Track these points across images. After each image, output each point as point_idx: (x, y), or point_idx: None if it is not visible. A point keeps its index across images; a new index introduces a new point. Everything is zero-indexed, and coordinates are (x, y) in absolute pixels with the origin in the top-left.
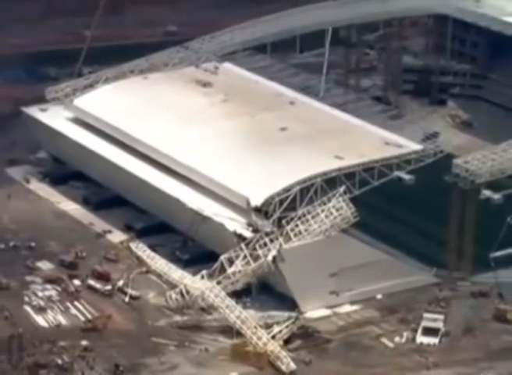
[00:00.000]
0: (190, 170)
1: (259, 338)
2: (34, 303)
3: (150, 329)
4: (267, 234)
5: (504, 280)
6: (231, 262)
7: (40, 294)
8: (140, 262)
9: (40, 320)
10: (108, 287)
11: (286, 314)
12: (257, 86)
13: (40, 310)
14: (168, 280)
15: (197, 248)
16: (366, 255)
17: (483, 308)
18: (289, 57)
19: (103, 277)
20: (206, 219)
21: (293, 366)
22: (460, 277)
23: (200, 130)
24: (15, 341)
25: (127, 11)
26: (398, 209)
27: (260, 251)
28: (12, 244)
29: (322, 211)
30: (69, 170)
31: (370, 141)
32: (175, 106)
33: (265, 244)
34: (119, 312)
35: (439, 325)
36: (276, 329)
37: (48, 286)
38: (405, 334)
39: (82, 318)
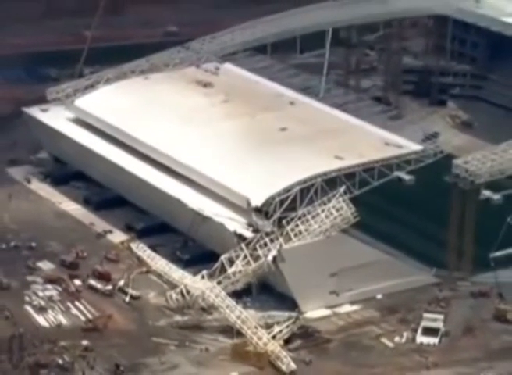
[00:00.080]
0: (191, 170)
1: (259, 338)
2: (35, 303)
3: (150, 329)
4: (267, 234)
5: (504, 280)
6: (231, 262)
7: (40, 294)
8: (141, 262)
9: (41, 320)
10: (109, 287)
11: (287, 314)
12: (257, 86)
13: (41, 310)
14: (169, 280)
15: (198, 248)
16: (366, 255)
17: (483, 308)
18: (289, 57)
19: (104, 277)
20: (206, 219)
21: (293, 365)
22: (460, 277)
23: (200, 131)
24: (16, 340)
25: (128, 11)
26: (398, 209)
27: (260, 252)
28: (13, 244)
29: (322, 211)
30: (69, 170)
31: (370, 141)
32: (175, 106)
33: (266, 244)
34: (119, 312)
35: (439, 325)
36: (276, 329)
37: (49, 286)
38: (405, 334)
39: (82, 318)
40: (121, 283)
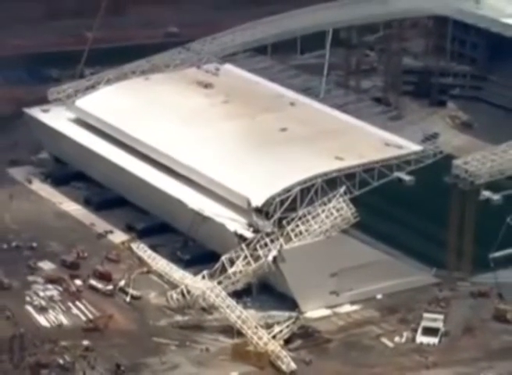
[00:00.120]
0: (191, 171)
1: (260, 338)
2: (36, 303)
3: (151, 329)
4: (267, 235)
5: (504, 280)
6: (232, 262)
7: (41, 294)
8: (142, 262)
9: (42, 320)
10: (110, 287)
11: (287, 314)
12: (257, 87)
13: (42, 310)
14: (170, 280)
15: (198, 249)
16: (366, 256)
17: (483, 309)
18: (289, 58)
19: (104, 277)
20: (207, 219)
21: (293, 365)
22: (460, 277)
23: (201, 131)
24: (16, 340)
25: (128, 12)
26: (398, 210)
27: (260, 252)
28: (14, 244)
29: (323, 211)
30: (70, 171)
31: (370, 141)
32: (176, 107)
33: (266, 245)
34: (120, 312)
35: (439, 325)
36: (277, 329)
37: (50, 286)
38: (405, 334)
39: (83, 318)
40: (122, 283)
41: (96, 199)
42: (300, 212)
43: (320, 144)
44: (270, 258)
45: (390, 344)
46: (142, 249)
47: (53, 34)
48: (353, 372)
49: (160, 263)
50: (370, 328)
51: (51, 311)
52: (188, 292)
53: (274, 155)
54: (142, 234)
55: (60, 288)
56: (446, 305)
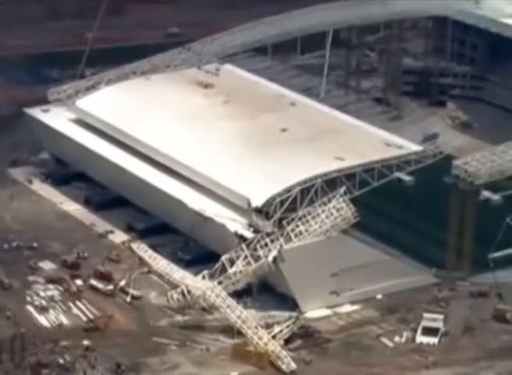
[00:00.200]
0: (192, 171)
1: (260, 338)
2: (36, 303)
3: (151, 329)
4: (268, 235)
5: (503, 280)
6: (232, 262)
7: (42, 294)
8: (142, 262)
9: (43, 320)
10: (110, 287)
11: (287, 314)
12: (258, 87)
13: (43, 310)
14: (170, 280)
15: (199, 249)
16: (366, 256)
17: (482, 308)
18: (290, 58)
19: (105, 277)
20: (207, 219)
21: (293, 365)
22: (460, 277)
23: (201, 131)
24: (17, 340)
25: (129, 13)
26: (398, 210)
27: (261, 252)
28: (14, 244)
29: (323, 211)
30: (71, 171)
31: (370, 142)
32: (176, 107)
33: (266, 245)
34: (120, 311)
35: (439, 325)
36: (277, 329)
37: (50, 286)
38: (405, 334)
39: (84, 318)
40: (122, 283)
41: (96, 199)
42: (300, 213)
43: (320, 144)
44: (270, 258)
45: (390, 344)
46: (142, 249)
47: (53, 35)
48: (353, 372)
49: (160, 263)
50: (370, 328)
51: (51, 311)
52: (188, 292)
53: (274, 155)
54: (142, 234)
55: (61, 288)
56: (446, 305)
